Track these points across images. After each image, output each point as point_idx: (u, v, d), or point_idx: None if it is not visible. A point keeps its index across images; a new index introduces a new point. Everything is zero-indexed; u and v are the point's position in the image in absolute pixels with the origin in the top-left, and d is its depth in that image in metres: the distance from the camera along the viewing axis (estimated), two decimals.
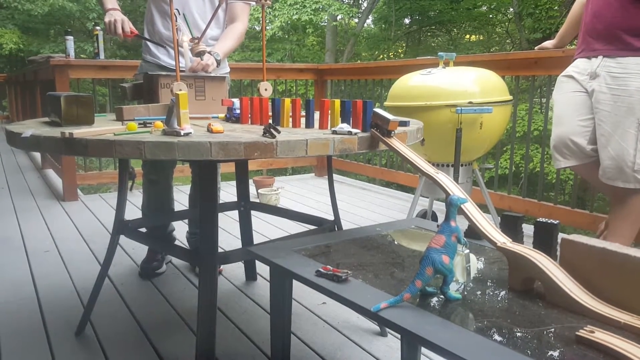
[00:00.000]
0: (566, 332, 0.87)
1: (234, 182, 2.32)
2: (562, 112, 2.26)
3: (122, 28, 2.03)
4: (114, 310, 2.12)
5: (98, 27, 4.04)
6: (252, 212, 2.36)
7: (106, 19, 2.06)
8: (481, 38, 17.32)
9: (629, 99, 2.02)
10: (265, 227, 3.27)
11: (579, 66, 2.21)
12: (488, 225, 1.10)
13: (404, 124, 1.64)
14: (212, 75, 1.96)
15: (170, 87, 1.79)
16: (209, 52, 2.03)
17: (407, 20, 17.65)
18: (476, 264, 1.22)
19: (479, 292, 1.06)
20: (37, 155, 6.28)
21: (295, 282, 1.27)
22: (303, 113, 1.62)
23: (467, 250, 1.10)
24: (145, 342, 1.86)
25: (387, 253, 1.32)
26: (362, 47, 17.78)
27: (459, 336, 0.86)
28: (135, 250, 2.82)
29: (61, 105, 1.53)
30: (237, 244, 2.84)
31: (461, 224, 1.00)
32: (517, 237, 1.18)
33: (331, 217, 1.99)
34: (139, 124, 1.54)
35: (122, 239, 1.95)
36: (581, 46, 2.21)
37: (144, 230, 2.18)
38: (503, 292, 1.05)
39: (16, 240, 3.05)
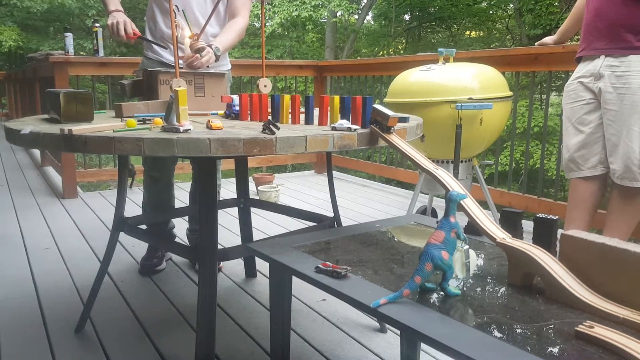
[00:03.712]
0: (565, 327, 0.87)
1: (233, 179, 2.32)
2: (571, 123, 2.25)
3: (125, 30, 2.03)
4: (114, 307, 2.12)
5: (97, 24, 4.03)
6: (252, 209, 2.36)
7: (109, 22, 2.05)
8: (481, 34, 17.30)
9: (632, 97, 2.01)
10: (265, 224, 3.27)
11: (582, 69, 2.19)
12: (487, 221, 1.10)
13: (403, 120, 1.64)
14: (211, 71, 1.96)
15: (170, 84, 1.79)
16: (209, 46, 2.02)
17: (407, 17, 17.62)
18: (475, 259, 1.22)
19: (478, 288, 1.06)
20: (37, 152, 6.28)
21: (294, 279, 1.27)
22: (302, 109, 1.62)
23: (467, 246, 1.09)
24: (145, 339, 1.86)
25: (387, 249, 1.32)
26: (362, 44, 17.75)
27: (459, 332, 0.86)
28: (135, 248, 2.82)
29: (60, 102, 1.53)
30: (236, 240, 2.84)
31: (461, 220, 1.00)
32: (516, 233, 1.17)
33: (331, 214, 1.99)
34: (138, 120, 1.54)
35: (122, 236, 1.95)
36: (582, 44, 2.20)
37: (143, 227, 2.18)
38: (502, 288, 1.05)
39: (16, 238, 3.06)
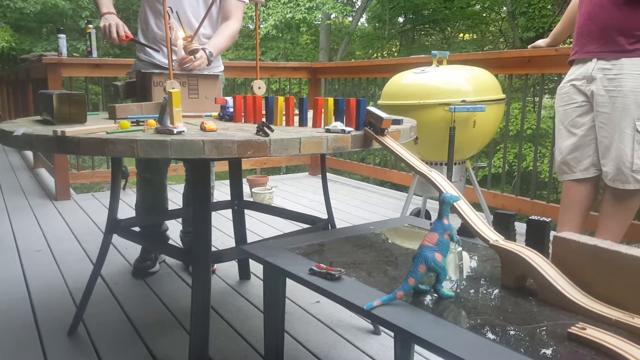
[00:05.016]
0: (558, 329, 0.88)
1: (227, 181, 2.32)
2: (563, 125, 2.26)
3: (117, 32, 2.03)
4: (107, 309, 2.11)
5: (91, 26, 4.02)
6: (246, 211, 2.36)
7: (101, 24, 2.05)
8: (474, 37, 17.35)
9: (624, 100, 2.02)
10: (259, 226, 3.27)
11: (575, 72, 2.21)
12: (481, 223, 1.10)
13: (397, 122, 1.64)
14: (205, 73, 1.95)
15: (163, 85, 1.79)
16: (202, 49, 2.02)
17: (400, 19, 17.65)
18: (469, 261, 1.23)
19: (471, 290, 1.06)
20: (30, 154, 6.24)
21: (288, 281, 1.27)
22: (296, 111, 1.62)
23: (460, 248, 1.10)
24: (138, 342, 1.86)
25: (381, 251, 1.32)
26: (356, 46, 17.77)
27: (452, 334, 0.87)
28: (128, 250, 2.81)
29: (53, 103, 1.52)
30: (230, 243, 2.83)
31: (454, 222, 1.00)
32: (509, 235, 1.18)
33: (325, 216, 1.99)
34: (132, 122, 1.53)
35: (115, 238, 1.94)
36: (575, 47, 2.22)
37: (137, 229, 2.17)
38: (496, 290, 1.06)
39: (8, 240, 3.04)
